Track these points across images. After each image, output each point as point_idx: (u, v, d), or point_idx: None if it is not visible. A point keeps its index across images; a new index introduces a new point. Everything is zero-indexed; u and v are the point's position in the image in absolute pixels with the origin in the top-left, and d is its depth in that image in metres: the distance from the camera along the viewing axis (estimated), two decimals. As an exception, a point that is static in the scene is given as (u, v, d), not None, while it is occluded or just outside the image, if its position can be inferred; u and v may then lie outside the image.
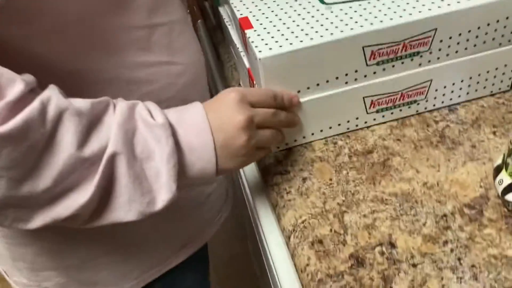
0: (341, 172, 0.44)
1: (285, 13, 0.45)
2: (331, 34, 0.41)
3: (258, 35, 0.43)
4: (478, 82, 0.48)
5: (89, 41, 0.35)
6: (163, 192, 0.33)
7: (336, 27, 0.42)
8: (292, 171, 0.45)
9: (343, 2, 0.45)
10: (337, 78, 0.44)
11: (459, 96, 0.49)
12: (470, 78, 0.48)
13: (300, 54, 0.41)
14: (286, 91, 0.42)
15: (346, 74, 0.44)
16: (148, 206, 0.33)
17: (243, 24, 0.45)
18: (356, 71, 0.44)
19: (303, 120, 0.46)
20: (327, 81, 0.44)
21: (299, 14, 0.45)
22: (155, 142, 0.32)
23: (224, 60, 0.64)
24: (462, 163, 0.43)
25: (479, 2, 0.43)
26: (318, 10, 0.45)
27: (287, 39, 0.42)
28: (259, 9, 0.47)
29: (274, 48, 0.41)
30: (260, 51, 0.41)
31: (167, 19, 0.39)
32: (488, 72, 0.48)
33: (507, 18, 0.44)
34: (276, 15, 0.45)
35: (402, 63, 0.44)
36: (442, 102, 0.49)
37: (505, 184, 0.38)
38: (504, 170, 0.39)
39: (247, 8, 0.47)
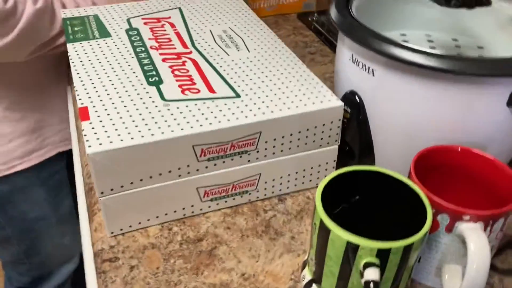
0: (169, 260, 0.47)
1: (125, 106, 0.48)
2: (162, 133, 0.45)
3: (93, 128, 0.45)
4: (304, 176, 0.54)
5: None
6: None
7: (169, 126, 0.45)
8: (122, 258, 0.47)
9: (181, 100, 0.49)
10: (169, 171, 0.46)
11: (288, 188, 0.54)
12: (296, 172, 0.53)
13: (130, 151, 0.43)
14: None
15: (179, 168, 0.47)
16: None
17: (82, 115, 0.46)
18: (188, 166, 0.47)
19: (138, 208, 0.48)
20: (160, 174, 0.46)
21: (137, 109, 0.48)
22: None
23: (79, 134, 0.65)
24: (279, 254, 0.48)
25: (298, 111, 0.48)
26: (156, 106, 0.48)
27: (119, 135, 0.44)
28: (101, 100, 0.49)
29: (104, 143, 0.43)
30: (89, 146, 0.43)
31: None
32: (312, 168, 0.53)
33: (323, 125, 0.50)
34: (115, 108, 0.48)
35: (232, 159, 0.48)
36: (273, 192, 0.53)
37: (306, 280, 0.43)
38: (307, 266, 0.43)
39: (90, 97, 0.49)
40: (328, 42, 0.87)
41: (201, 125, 0.46)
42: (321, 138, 0.51)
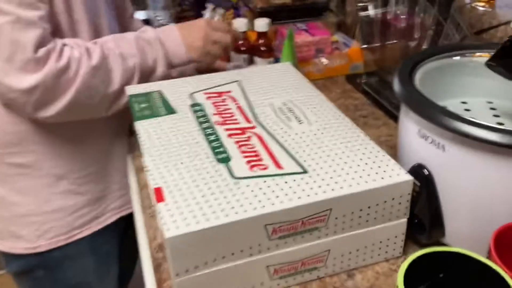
0: None
1: (197, 186, 0.49)
2: (236, 213, 0.45)
3: (168, 210, 0.46)
4: (372, 250, 0.53)
5: None
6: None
7: (241, 205, 0.46)
8: None
9: (250, 178, 0.50)
10: (241, 251, 0.47)
11: (356, 263, 0.53)
12: (365, 247, 0.52)
13: (206, 233, 0.44)
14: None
15: (250, 247, 0.47)
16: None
17: (157, 196, 0.48)
18: (259, 245, 0.47)
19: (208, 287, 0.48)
20: (233, 254, 0.47)
21: (209, 188, 0.49)
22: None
23: (145, 204, 0.66)
24: (355, 335, 0.46)
25: (368, 187, 0.48)
26: (227, 185, 0.49)
27: (195, 217, 0.45)
28: (173, 179, 0.50)
29: (181, 226, 0.44)
30: (168, 229, 0.43)
31: None
32: (381, 242, 0.53)
33: (393, 199, 0.50)
34: (188, 188, 0.49)
35: (302, 237, 0.48)
36: (341, 268, 0.53)
37: None
38: None
39: (162, 176, 0.51)
40: (379, 105, 0.88)
41: (272, 204, 0.46)
42: (390, 212, 0.51)
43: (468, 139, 0.44)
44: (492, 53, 0.52)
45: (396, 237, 0.53)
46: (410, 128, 0.52)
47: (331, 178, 0.50)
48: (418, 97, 0.50)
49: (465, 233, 0.51)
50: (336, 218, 0.49)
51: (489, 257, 0.42)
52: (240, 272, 0.48)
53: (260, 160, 0.53)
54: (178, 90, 0.69)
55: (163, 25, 1.11)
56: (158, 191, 0.49)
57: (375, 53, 0.91)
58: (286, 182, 0.49)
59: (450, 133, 0.46)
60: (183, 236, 0.43)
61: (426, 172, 0.50)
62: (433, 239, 0.53)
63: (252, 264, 0.48)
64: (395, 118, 0.82)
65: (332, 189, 0.48)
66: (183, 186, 0.49)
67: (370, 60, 0.94)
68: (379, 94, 0.89)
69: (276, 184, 0.49)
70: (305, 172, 0.51)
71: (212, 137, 0.57)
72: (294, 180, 0.49)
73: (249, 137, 0.57)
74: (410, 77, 0.54)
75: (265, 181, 0.49)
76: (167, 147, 0.56)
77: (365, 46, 0.91)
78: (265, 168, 0.51)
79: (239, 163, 0.52)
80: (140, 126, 0.60)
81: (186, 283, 0.46)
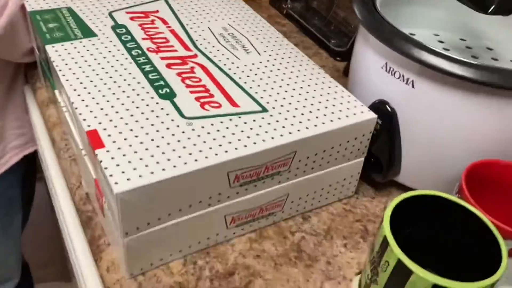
0: (202, 301, 0.41)
1: (142, 127, 0.41)
2: (196, 161, 0.38)
3: (112, 158, 0.38)
4: (328, 192, 0.50)
5: None
6: None
7: (200, 151, 0.39)
8: (148, 304, 0.40)
9: (204, 118, 0.43)
10: (200, 202, 0.41)
11: (312, 204, 0.50)
12: (322, 189, 0.49)
13: (163, 184, 0.37)
14: None
15: (210, 197, 0.41)
16: None
17: (93, 141, 0.39)
18: (219, 194, 0.41)
19: (162, 244, 0.41)
20: (190, 206, 0.40)
21: (157, 131, 0.41)
22: None
23: (59, 147, 0.56)
24: (320, 283, 0.44)
25: (334, 126, 0.44)
26: (178, 126, 0.42)
27: (147, 166, 0.37)
28: (110, 120, 0.41)
29: (133, 178, 0.36)
30: (116, 183, 0.35)
31: None
32: (337, 182, 0.50)
33: (355, 138, 0.47)
34: (131, 130, 0.40)
35: (264, 182, 0.43)
36: (297, 211, 0.49)
37: (363, 315, 0.39)
38: (361, 299, 0.40)
39: (95, 117, 0.41)
40: (307, 32, 0.83)
41: (236, 149, 0.40)
42: (351, 152, 0.48)
43: (441, 74, 0.42)
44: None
45: (352, 176, 0.51)
46: (374, 61, 0.48)
47: (294, 117, 0.44)
48: (387, 26, 0.45)
49: (422, 173, 0.50)
50: (299, 161, 0.44)
51: (459, 194, 0.42)
52: (196, 225, 0.42)
53: (211, 96, 0.45)
54: (92, 8, 0.57)
55: None
56: (93, 135, 0.39)
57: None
58: (245, 123, 0.43)
59: (423, 67, 0.42)
60: (136, 190, 0.36)
61: (389, 109, 0.47)
62: (388, 178, 0.51)
63: (209, 215, 0.42)
64: (326, 48, 0.78)
65: (298, 130, 0.43)
66: (123, 127, 0.41)
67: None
68: (306, 20, 0.84)
69: (235, 125, 0.43)
70: (264, 110, 0.45)
71: (147, 67, 0.48)
72: (254, 120, 0.43)
73: (192, 68, 0.49)
74: (373, 3, 0.49)
75: (221, 122, 0.43)
76: (92, 78, 0.46)
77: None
78: (218, 106, 0.44)
79: (186, 100, 0.45)
80: (53, 52, 0.49)
81: (135, 242, 0.39)
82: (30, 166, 0.81)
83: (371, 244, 0.39)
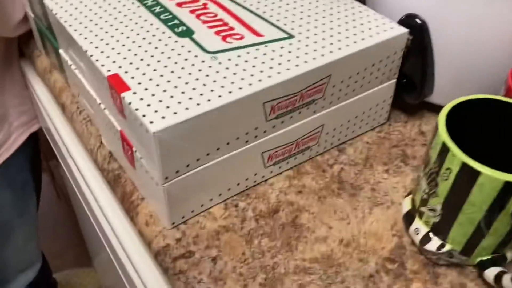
0: (252, 242, 0.39)
1: (165, 66, 0.38)
2: (230, 92, 0.36)
3: (141, 99, 0.35)
4: (362, 120, 0.48)
5: None
6: None
7: (232, 83, 0.37)
8: (197, 251, 0.38)
9: (228, 50, 0.40)
10: (237, 138, 0.38)
11: (346, 135, 0.48)
12: (356, 117, 0.47)
13: (200, 120, 0.34)
14: None
15: (246, 133, 0.38)
16: None
17: (117, 86, 0.36)
18: (256, 128, 0.39)
19: (202, 188, 0.39)
20: (228, 143, 0.38)
21: (182, 68, 0.38)
22: None
23: (71, 111, 0.53)
24: (368, 210, 0.42)
25: (366, 44, 0.41)
26: (203, 61, 0.39)
27: (180, 103, 0.35)
28: (130, 63, 0.38)
29: (168, 116, 0.33)
30: (151, 122, 0.33)
31: None
32: (370, 109, 0.47)
33: (387, 57, 0.44)
34: (154, 70, 0.37)
35: (299, 113, 0.41)
36: (331, 143, 0.47)
37: (422, 233, 0.38)
38: (418, 218, 0.38)
39: (114, 61, 0.38)
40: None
41: (269, 76, 0.37)
42: (383, 73, 0.45)
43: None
44: None
45: (384, 101, 0.48)
46: (397, -27, 0.45)
47: (323, 39, 0.42)
48: None
49: (456, 88, 0.48)
50: (334, 86, 0.42)
51: (506, 94, 0.39)
52: (234, 165, 0.40)
53: (231, 29, 0.42)
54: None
55: None
56: (116, 79, 0.37)
57: None
58: (273, 51, 0.40)
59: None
60: (173, 128, 0.33)
61: (419, 21, 0.44)
62: (422, 98, 0.49)
63: (247, 153, 0.40)
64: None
65: (331, 51, 0.40)
66: (146, 68, 0.38)
67: None
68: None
69: (263, 53, 0.40)
70: (291, 37, 0.42)
71: (157, 9, 0.45)
72: (282, 47, 0.41)
73: (204, 4, 0.46)
74: None
75: (248, 52, 0.40)
76: (102, 25, 0.42)
77: None
78: (241, 38, 0.41)
79: (206, 35, 0.42)
80: (55, 6, 0.45)
81: (175, 187, 0.37)
82: (35, 146, 0.78)
83: (424, 159, 0.37)
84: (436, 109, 0.51)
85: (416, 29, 0.45)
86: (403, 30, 0.43)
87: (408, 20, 0.45)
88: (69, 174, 0.61)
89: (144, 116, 0.33)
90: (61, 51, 0.49)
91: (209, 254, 0.38)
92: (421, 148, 0.48)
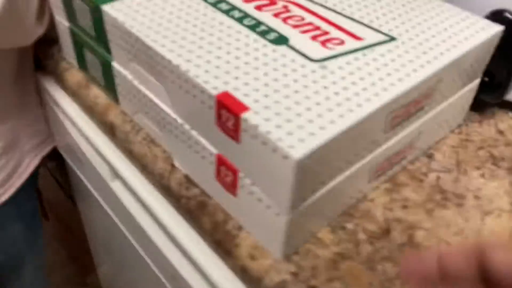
0: (375, 268, 0.36)
1: (275, 80, 0.33)
2: (359, 105, 0.32)
3: (267, 119, 0.30)
4: (446, 122, 0.45)
5: None
6: None
7: (356, 94, 0.33)
8: (320, 286, 0.34)
9: (334, 57, 0.36)
10: (356, 155, 0.34)
11: (431, 141, 0.45)
12: (446, 120, 0.44)
13: (338, 139, 0.30)
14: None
15: (364, 148, 0.35)
16: None
17: (231, 105, 0.31)
18: (373, 142, 0.35)
19: (318, 213, 0.35)
20: (349, 161, 0.34)
21: (295, 81, 0.33)
22: None
23: (124, 130, 0.47)
24: (481, 221, 0.39)
25: (468, 47, 0.39)
26: (314, 71, 0.34)
27: (311, 121, 0.30)
28: (235, 77, 0.33)
29: (306, 138, 0.29)
30: (291, 147, 0.28)
31: None
32: (456, 110, 0.45)
33: (483, 57, 0.42)
34: (266, 85, 0.33)
35: (410, 121, 0.38)
36: (419, 150, 0.44)
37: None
38: (548, 227, 0.36)
39: (216, 77, 0.33)
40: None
41: (392, 84, 0.34)
42: (472, 73, 0.43)
43: None
44: None
45: (466, 101, 0.46)
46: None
47: (426, 40, 0.38)
48: None
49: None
50: (438, 91, 0.39)
51: None
52: (348, 183, 0.36)
53: (326, 33, 0.38)
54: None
55: None
56: (227, 98, 0.32)
57: None
58: (382, 55, 0.37)
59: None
60: (315, 151, 0.29)
61: (510, 16, 0.42)
62: (503, 97, 0.47)
63: (360, 169, 0.36)
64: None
65: (441, 53, 0.37)
66: (256, 83, 0.33)
67: None
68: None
69: (372, 59, 0.36)
70: (392, 39, 0.38)
71: (236, 13, 0.40)
72: (390, 51, 0.37)
73: (284, 6, 0.41)
74: None
75: (356, 58, 0.36)
76: (179, 32, 0.37)
77: None
78: (342, 43, 0.37)
79: (303, 42, 0.37)
80: (116, 12, 0.39)
81: (297, 215, 0.32)
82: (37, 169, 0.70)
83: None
84: (508, 105, 0.50)
85: (507, 25, 0.42)
86: (498, 28, 0.41)
87: (495, 17, 0.43)
88: (108, 205, 0.54)
89: (280, 140, 0.29)
90: (115, 64, 0.43)
91: (333, 286, 0.34)
92: (505, 149, 0.46)
